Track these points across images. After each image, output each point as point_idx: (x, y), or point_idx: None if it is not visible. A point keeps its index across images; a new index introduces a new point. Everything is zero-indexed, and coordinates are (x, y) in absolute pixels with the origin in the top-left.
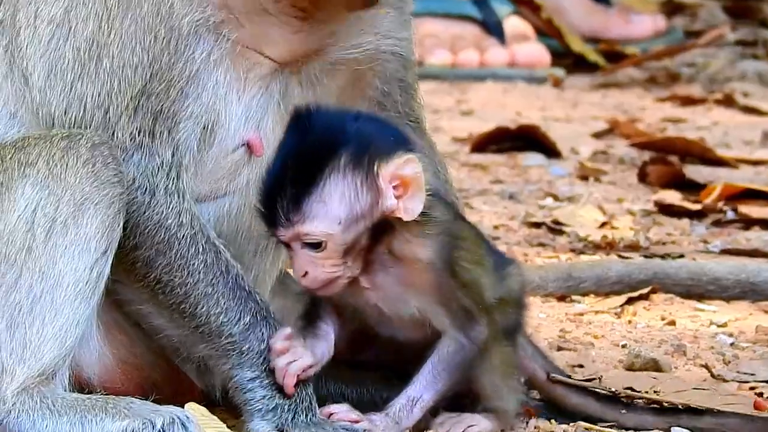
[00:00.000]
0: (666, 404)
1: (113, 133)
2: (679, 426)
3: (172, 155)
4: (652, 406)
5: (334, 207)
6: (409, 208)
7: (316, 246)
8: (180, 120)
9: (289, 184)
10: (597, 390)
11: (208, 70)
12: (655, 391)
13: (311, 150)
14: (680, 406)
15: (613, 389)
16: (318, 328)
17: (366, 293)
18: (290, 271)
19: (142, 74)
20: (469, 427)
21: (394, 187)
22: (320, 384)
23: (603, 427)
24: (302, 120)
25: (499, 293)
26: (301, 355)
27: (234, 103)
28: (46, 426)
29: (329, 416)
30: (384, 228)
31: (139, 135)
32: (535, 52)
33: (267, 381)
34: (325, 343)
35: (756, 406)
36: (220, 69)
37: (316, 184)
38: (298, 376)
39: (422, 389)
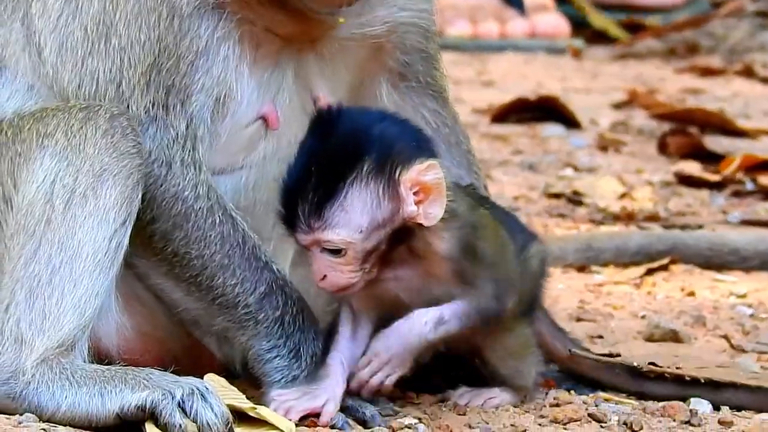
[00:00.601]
0: (688, 377)
1: (127, 107)
2: (699, 397)
3: (187, 127)
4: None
5: (356, 216)
6: (430, 214)
7: (336, 252)
8: (192, 93)
9: (311, 189)
10: (619, 363)
11: (216, 45)
12: (677, 367)
13: (334, 156)
14: (702, 380)
15: (635, 363)
16: (330, 364)
17: (386, 284)
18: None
19: (150, 50)
20: (488, 399)
21: (415, 193)
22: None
23: (622, 397)
24: (325, 121)
25: (519, 283)
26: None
27: (246, 77)
28: (66, 397)
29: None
30: (404, 229)
31: (153, 108)
32: (555, 23)
33: (285, 351)
34: (334, 381)
35: None
36: (228, 44)
37: (339, 192)
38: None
39: (451, 314)
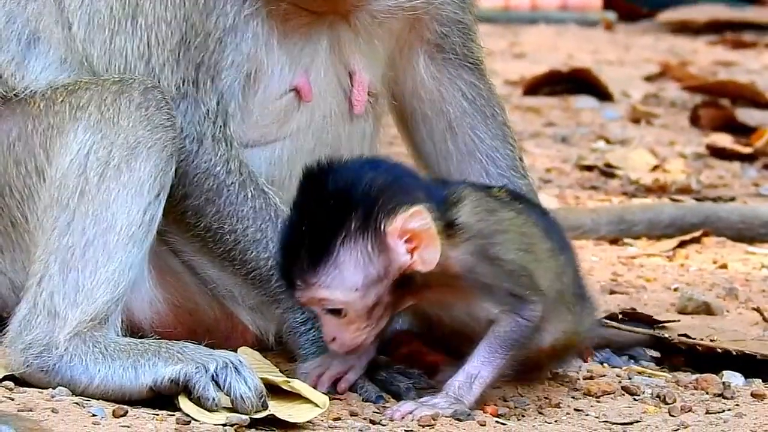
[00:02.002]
0: (720, 350)
1: (158, 83)
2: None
3: (218, 103)
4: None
5: (349, 275)
6: (426, 259)
7: (338, 312)
8: (222, 69)
9: (305, 250)
10: (651, 335)
11: (244, 22)
12: (711, 339)
13: (323, 215)
14: (734, 352)
15: (667, 335)
16: None
17: (422, 306)
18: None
19: (177, 28)
20: None
21: (406, 241)
22: None
23: (655, 370)
24: (315, 177)
25: (557, 285)
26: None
27: (275, 51)
28: (99, 370)
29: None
30: (407, 277)
31: (183, 85)
32: None
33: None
34: (358, 355)
35: None
36: (256, 20)
37: (330, 252)
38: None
39: (480, 366)
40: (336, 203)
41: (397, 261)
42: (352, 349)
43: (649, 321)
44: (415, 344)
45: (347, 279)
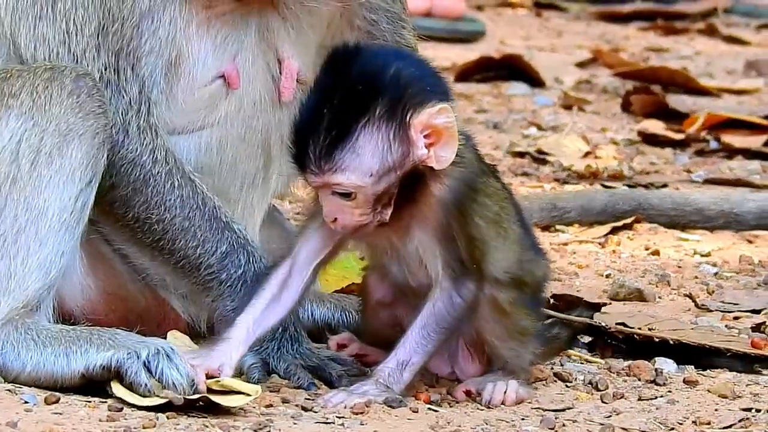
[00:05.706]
0: (656, 339)
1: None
2: (665, 356)
3: (140, 92)
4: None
5: (366, 159)
6: (441, 157)
7: (347, 195)
8: (141, 56)
9: (323, 131)
10: (589, 323)
11: (160, 7)
12: (650, 328)
13: (347, 97)
14: (671, 342)
15: (604, 323)
16: (234, 328)
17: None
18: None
19: (94, 14)
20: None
21: (426, 136)
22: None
23: (587, 356)
24: (340, 59)
25: (518, 270)
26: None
27: (195, 37)
28: (31, 357)
29: (339, 348)
30: (414, 173)
31: (106, 72)
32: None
33: None
34: (231, 346)
35: (753, 345)
36: (173, 5)
37: (350, 135)
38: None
39: (412, 351)
40: (362, 87)
41: (414, 154)
42: (351, 231)
43: (580, 304)
44: (356, 346)
45: (365, 163)
